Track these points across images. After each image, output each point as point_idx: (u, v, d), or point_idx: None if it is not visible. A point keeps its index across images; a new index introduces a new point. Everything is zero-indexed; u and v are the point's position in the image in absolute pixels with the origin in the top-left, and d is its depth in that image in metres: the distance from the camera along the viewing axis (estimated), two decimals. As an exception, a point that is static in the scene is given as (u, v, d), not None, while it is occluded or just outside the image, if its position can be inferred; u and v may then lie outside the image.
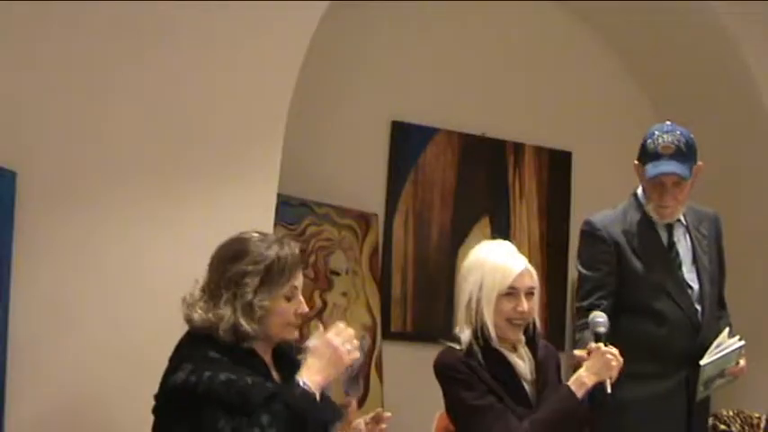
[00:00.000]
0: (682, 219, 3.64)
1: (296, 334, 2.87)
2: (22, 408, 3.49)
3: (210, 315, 2.75)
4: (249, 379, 2.67)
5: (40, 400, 3.54)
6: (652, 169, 3.51)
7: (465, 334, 3.16)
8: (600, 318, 3.27)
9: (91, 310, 3.67)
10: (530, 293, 3.16)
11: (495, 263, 3.15)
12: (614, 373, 3.12)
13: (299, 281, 2.84)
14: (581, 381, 3.11)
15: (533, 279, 3.18)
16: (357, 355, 2.80)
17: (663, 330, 3.50)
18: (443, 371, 3.17)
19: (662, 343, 3.45)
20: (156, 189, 3.83)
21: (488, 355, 3.13)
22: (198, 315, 2.76)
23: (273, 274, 2.78)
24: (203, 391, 2.63)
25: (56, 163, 3.69)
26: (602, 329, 3.23)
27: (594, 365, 3.13)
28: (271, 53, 4.07)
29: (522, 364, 3.18)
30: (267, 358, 2.83)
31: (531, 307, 3.16)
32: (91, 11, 3.76)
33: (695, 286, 3.60)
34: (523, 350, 3.21)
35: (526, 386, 3.17)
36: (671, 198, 3.54)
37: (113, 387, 3.61)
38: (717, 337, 3.52)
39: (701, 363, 3.43)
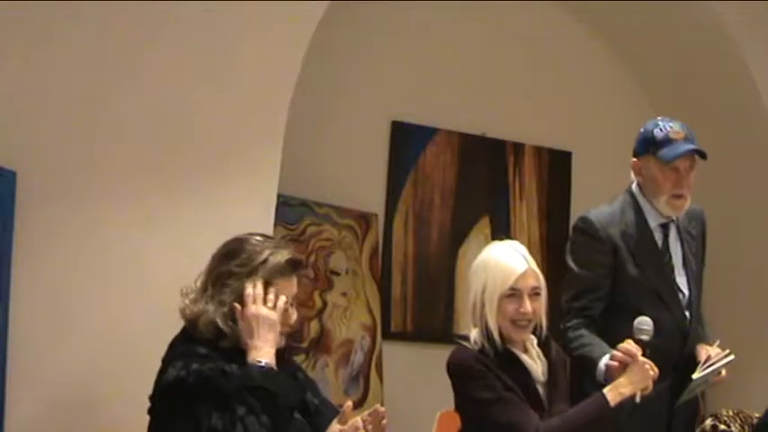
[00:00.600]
0: (675, 219, 3.58)
1: (281, 342, 2.85)
2: (22, 408, 3.49)
3: (195, 308, 2.78)
4: (225, 368, 2.70)
5: (39, 400, 3.54)
6: (670, 152, 3.44)
7: (474, 333, 3.15)
8: (646, 325, 3.21)
9: (91, 310, 3.67)
10: (534, 294, 3.13)
11: (498, 263, 3.14)
12: (651, 386, 3.10)
13: (285, 290, 2.82)
14: (619, 390, 3.08)
15: (538, 279, 3.15)
16: (281, 304, 2.80)
17: (654, 338, 3.38)
18: (458, 369, 3.13)
19: (652, 350, 3.31)
20: (156, 189, 3.83)
21: (501, 356, 3.12)
22: (187, 307, 2.81)
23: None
24: (194, 381, 2.64)
25: (56, 163, 3.69)
26: (646, 337, 3.19)
27: (634, 376, 3.10)
28: (271, 53, 4.07)
29: (534, 365, 3.16)
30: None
31: (536, 308, 3.13)
32: (91, 11, 3.76)
33: (686, 292, 3.55)
34: (535, 351, 3.19)
35: (539, 387, 3.15)
36: (687, 185, 3.47)
37: (113, 387, 3.61)
38: (703, 342, 3.51)
39: (694, 377, 3.39)
